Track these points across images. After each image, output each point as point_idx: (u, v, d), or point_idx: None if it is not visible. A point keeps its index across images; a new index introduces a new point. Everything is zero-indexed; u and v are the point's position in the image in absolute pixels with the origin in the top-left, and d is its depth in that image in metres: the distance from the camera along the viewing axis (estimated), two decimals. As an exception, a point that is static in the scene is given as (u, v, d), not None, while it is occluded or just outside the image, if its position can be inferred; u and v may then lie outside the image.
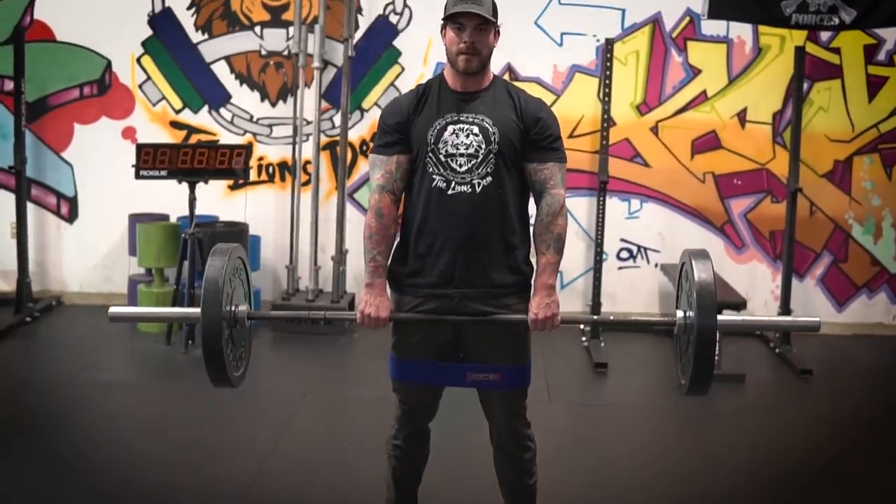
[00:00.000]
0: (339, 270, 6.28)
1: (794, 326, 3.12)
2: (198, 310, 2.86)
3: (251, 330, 3.14)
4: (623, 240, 6.80)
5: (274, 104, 6.56)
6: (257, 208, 6.59)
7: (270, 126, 6.57)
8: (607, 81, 6.13)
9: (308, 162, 6.47)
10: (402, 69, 6.53)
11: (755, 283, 6.72)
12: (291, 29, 6.42)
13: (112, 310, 3.04)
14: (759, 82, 6.67)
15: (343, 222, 6.36)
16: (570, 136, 6.57)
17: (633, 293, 6.74)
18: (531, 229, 3.10)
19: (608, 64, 6.15)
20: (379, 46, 6.56)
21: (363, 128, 6.57)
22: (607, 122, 6.29)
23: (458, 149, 2.97)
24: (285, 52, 6.51)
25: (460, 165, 2.96)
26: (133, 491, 3.80)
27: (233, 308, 2.95)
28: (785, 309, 6.32)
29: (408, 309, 3.07)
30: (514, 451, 3.24)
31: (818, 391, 5.57)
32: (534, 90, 6.53)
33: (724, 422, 4.96)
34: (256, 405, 4.77)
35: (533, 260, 3.09)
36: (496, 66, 6.56)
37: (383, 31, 6.56)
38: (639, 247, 6.76)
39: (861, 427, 4.92)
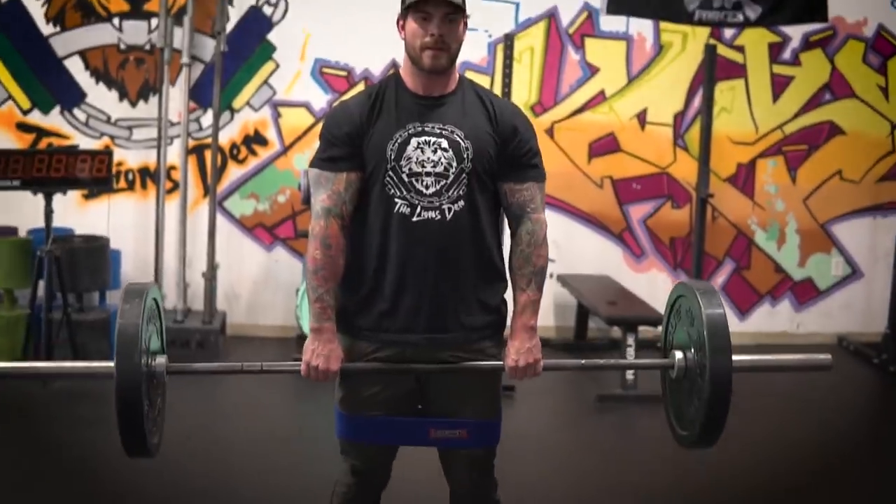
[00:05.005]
0: (210, 287, 6.66)
1: (806, 365, 3.24)
2: (109, 364, 2.77)
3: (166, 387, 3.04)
4: (515, 249, 7.51)
5: (134, 104, 6.86)
6: (116, 220, 6.87)
7: (130, 128, 6.88)
8: (507, 80, 6.42)
9: (173, 167, 6.79)
10: (277, 65, 6.89)
11: (655, 293, 7.16)
12: (155, 20, 6.73)
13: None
14: (660, 82, 7.24)
15: (214, 234, 6.71)
16: None
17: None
18: (507, 261, 3.08)
19: (508, 61, 6.43)
20: (252, 41, 6.89)
21: (234, 130, 6.91)
22: None
23: (423, 166, 2.91)
24: (147, 47, 6.80)
25: (427, 186, 2.91)
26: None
27: (151, 361, 2.88)
28: None
29: (362, 357, 3.00)
30: None
31: (734, 408, 6.25)
32: None
33: (645, 448, 5.39)
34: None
35: (508, 294, 3.09)
36: (379, 64, 7.05)
37: (256, 24, 6.90)
38: None
39: (783, 444, 5.49)
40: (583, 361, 3.44)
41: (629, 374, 6.10)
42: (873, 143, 7.60)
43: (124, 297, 2.85)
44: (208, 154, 6.89)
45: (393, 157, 2.92)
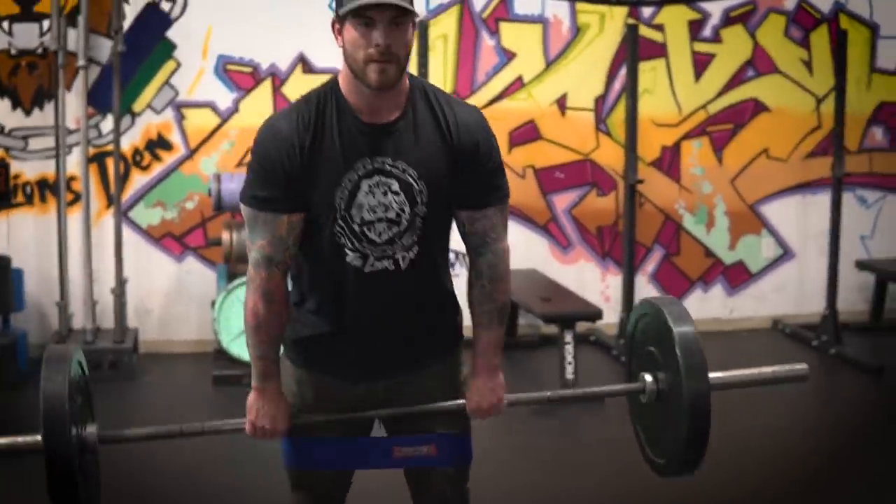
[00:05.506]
0: (120, 304, 6.40)
1: (783, 377, 3.17)
2: (36, 437, 2.63)
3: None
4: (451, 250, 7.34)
5: (29, 112, 6.57)
6: (15, 237, 6.60)
7: (25, 138, 6.59)
8: (423, 71, 6.29)
9: (73, 178, 6.54)
10: (179, 64, 6.64)
11: (584, 284, 7.10)
12: (46, 22, 6.44)
13: None
14: (578, 65, 7.10)
15: (120, 247, 6.45)
16: None
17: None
18: (466, 287, 2.83)
19: (423, 50, 6.30)
20: (149, 39, 6.62)
21: (135, 134, 6.65)
22: None
23: (374, 212, 2.67)
24: (40, 50, 6.51)
25: (379, 234, 2.69)
26: None
27: (82, 432, 2.73)
28: (628, 314, 6.81)
29: (317, 386, 2.85)
30: None
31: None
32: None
33: (591, 453, 5.33)
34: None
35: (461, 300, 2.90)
36: (286, 58, 6.80)
37: (154, 22, 6.64)
38: (456, 253, 7.03)
39: (729, 437, 5.63)
40: (549, 394, 3.23)
41: (569, 373, 5.96)
42: (799, 119, 7.54)
43: (46, 364, 2.68)
44: (110, 162, 6.61)
45: (343, 206, 2.67)
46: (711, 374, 2.86)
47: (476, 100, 7.02)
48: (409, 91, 2.70)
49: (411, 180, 2.68)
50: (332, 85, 2.71)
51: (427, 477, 2.95)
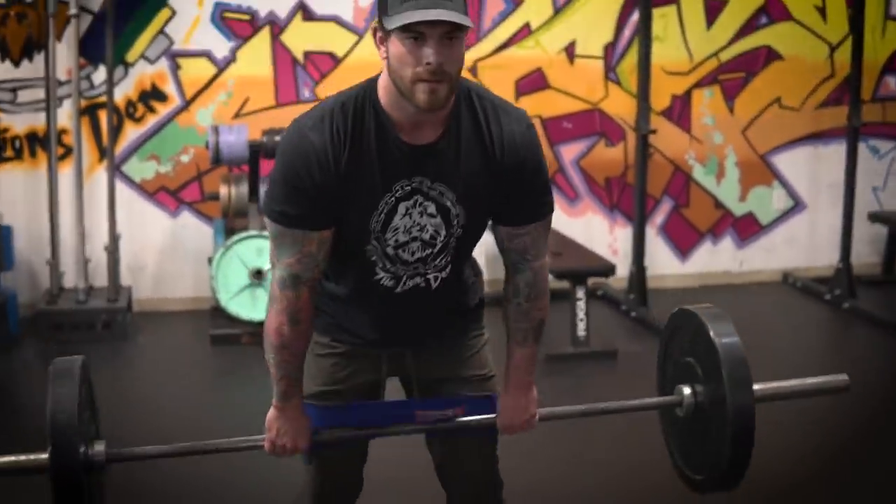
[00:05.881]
0: (113, 261, 6.24)
1: (825, 388, 3.03)
2: (43, 456, 2.53)
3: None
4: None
5: (17, 63, 6.35)
6: (5, 193, 6.41)
7: (14, 90, 6.38)
8: None
9: (64, 131, 6.35)
10: (174, 13, 6.40)
11: (592, 237, 6.95)
12: None
13: None
14: (587, 12, 6.92)
15: (114, 202, 6.28)
16: None
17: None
18: (503, 308, 2.72)
19: None
20: None
21: (128, 85, 6.43)
22: None
23: (410, 233, 2.54)
24: None
25: (412, 253, 2.57)
26: None
27: (89, 451, 2.61)
28: (639, 268, 6.67)
29: (328, 353, 2.75)
30: None
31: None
32: (331, 31, 6.64)
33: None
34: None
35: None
36: (285, 5, 6.58)
37: None
38: None
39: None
40: (584, 407, 3.11)
41: (581, 330, 5.85)
42: (812, 67, 7.39)
43: (53, 377, 2.58)
44: (103, 114, 6.41)
45: (378, 228, 2.52)
46: (754, 387, 2.75)
47: (481, 48, 6.87)
48: (454, 103, 2.47)
49: (449, 204, 2.53)
50: (369, 93, 2.48)
51: (455, 453, 2.87)
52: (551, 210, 2.64)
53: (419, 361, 2.80)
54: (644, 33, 6.53)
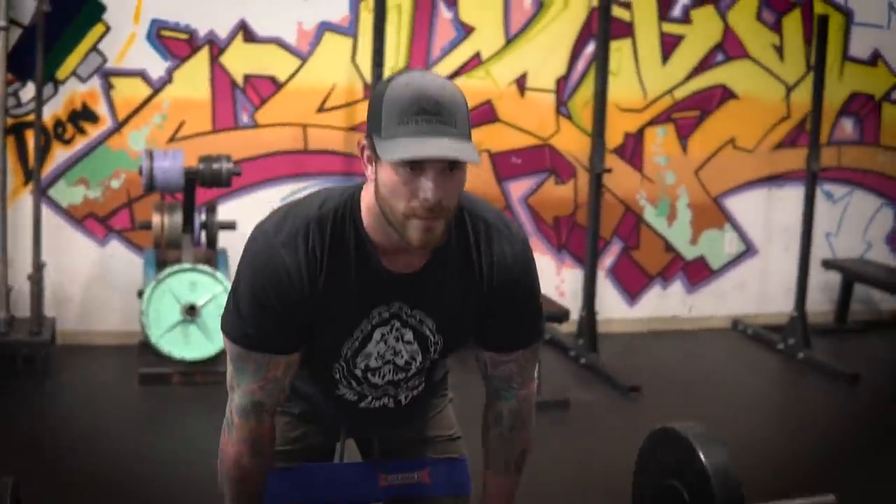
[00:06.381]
0: (37, 291, 5.92)
1: None
2: None
3: None
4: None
5: None
6: None
7: None
8: (378, 46, 6.00)
9: None
10: (108, 28, 6.12)
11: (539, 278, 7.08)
12: None
13: None
14: (540, 43, 6.74)
15: (39, 228, 5.95)
16: (320, 111, 6.46)
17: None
18: (483, 434, 2.56)
19: (380, 23, 5.98)
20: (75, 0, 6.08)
21: (58, 104, 6.15)
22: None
23: (383, 358, 2.34)
24: None
25: (383, 377, 2.38)
26: None
27: None
28: (589, 312, 6.49)
29: (280, 412, 2.47)
30: None
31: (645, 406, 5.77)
32: (273, 53, 6.40)
33: (556, 466, 4.83)
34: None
35: None
36: (226, 24, 6.33)
37: None
38: None
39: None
40: None
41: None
42: (768, 107, 7.30)
43: None
44: (29, 134, 6.07)
45: (349, 354, 2.32)
46: None
47: (430, 77, 6.66)
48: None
49: (428, 332, 2.34)
50: (350, 209, 2.24)
51: None
52: (542, 335, 2.48)
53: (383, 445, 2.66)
54: (601, 67, 6.38)
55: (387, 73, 6.14)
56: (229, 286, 5.53)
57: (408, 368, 2.38)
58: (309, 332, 2.27)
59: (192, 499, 4.34)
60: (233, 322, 2.26)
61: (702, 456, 2.54)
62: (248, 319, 2.23)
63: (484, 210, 2.35)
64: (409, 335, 2.33)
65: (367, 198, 2.22)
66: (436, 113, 2.06)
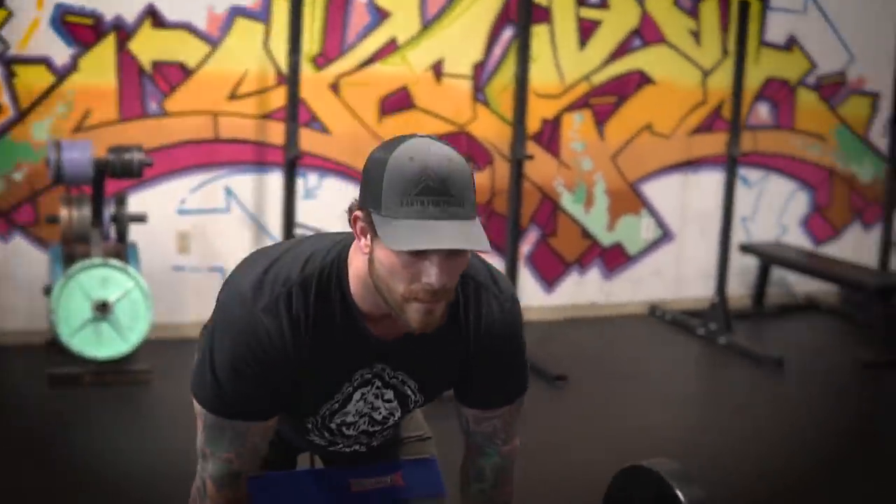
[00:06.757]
0: None
1: None
2: None
3: None
4: (300, 224, 6.92)
5: None
6: None
7: None
8: (295, 32, 5.86)
9: None
10: (10, 13, 5.89)
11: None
12: None
13: None
14: (457, 28, 6.68)
15: None
16: (231, 98, 6.31)
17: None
18: (462, 491, 2.49)
19: (296, 7, 5.86)
20: None
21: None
22: (295, 80, 5.91)
23: (359, 414, 2.28)
24: None
25: (357, 428, 2.32)
26: None
27: None
28: None
29: None
30: None
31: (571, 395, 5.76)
32: (183, 39, 6.21)
33: None
34: None
35: None
36: (134, 8, 6.14)
37: None
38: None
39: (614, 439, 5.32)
40: None
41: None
42: (684, 92, 7.32)
43: None
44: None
45: (327, 414, 2.26)
46: None
47: (344, 63, 6.55)
48: None
49: (409, 392, 2.28)
50: (336, 272, 2.13)
51: None
52: (525, 389, 2.39)
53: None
54: (522, 53, 6.29)
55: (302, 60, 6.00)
56: (142, 282, 5.50)
57: (384, 422, 2.33)
58: (288, 396, 2.19)
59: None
60: (208, 390, 2.17)
61: (677, 492, 2.40)
62: (227, 387, 2.14)
63: (475, 269, 2.24)
64: (389, 394, 2.26)
65: (356, 265, 2.10)
66: (442, 193, 1.94)
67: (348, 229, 2.12)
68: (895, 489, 4.74)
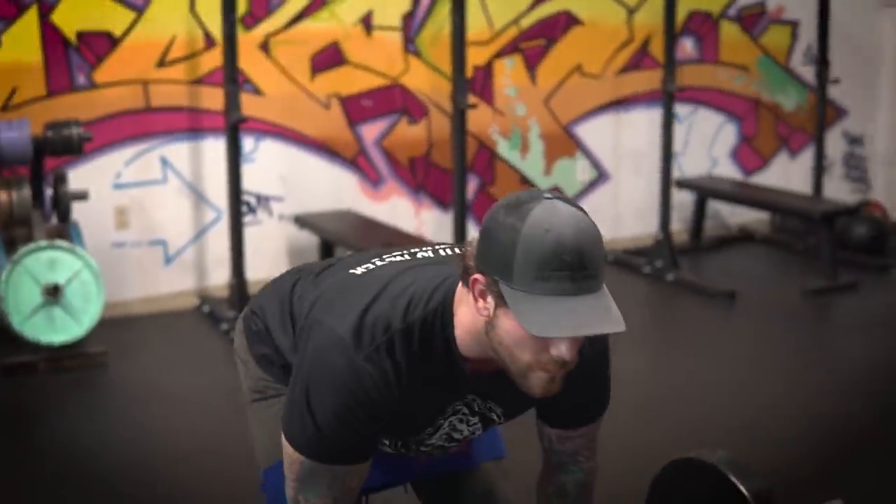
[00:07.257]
0: None
1: None
2: None
3: None
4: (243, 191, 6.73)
5: None
6: None
7: None
8: None
9: None
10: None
11: (397, 221, 6.68)
12: None
13: None
14: (385, -21, 6.51)
15: None
16: (160, 66, 6.17)
17: (258, 256, 6.34)
18: (537, 493, 2.51)
19: None
20: None
21: None
22: (232, 42, 5.79)
23: (441, 437, 2.29)
24: None
25: (434, 445, 2.33)
26: None
27: None
28: None
29: None
30: None
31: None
32: (106, 7, 6.00)
33: None
34: None
35: None
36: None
37: None
38: (258, 197, 6.53)
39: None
40: None
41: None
42: (611, 32, 7.36)
43: None
44: None
45: (412, 441, 2.30)
46: None
47: (273, 22, 6.44)
48: None
49: (494, 417, 2.28)
50: (441, 322, 2.09)
51: (459, 481, 2.60)
52: (607, 406, 2.38)
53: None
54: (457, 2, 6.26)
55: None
56: (91, 261, 5.37)
57: (462, 439, 2.34)
58: (383, 435, 2.26)
59: (75, 496, 4.17)
60: (308, 437, 2.14)
61: (734, 479, 2.39)
62: (328, 434, 2.12)
63: None
64: (475, 420, 2.28)
65: (464, 318, 2.06)
66: (579, 268, 1.89)
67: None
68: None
